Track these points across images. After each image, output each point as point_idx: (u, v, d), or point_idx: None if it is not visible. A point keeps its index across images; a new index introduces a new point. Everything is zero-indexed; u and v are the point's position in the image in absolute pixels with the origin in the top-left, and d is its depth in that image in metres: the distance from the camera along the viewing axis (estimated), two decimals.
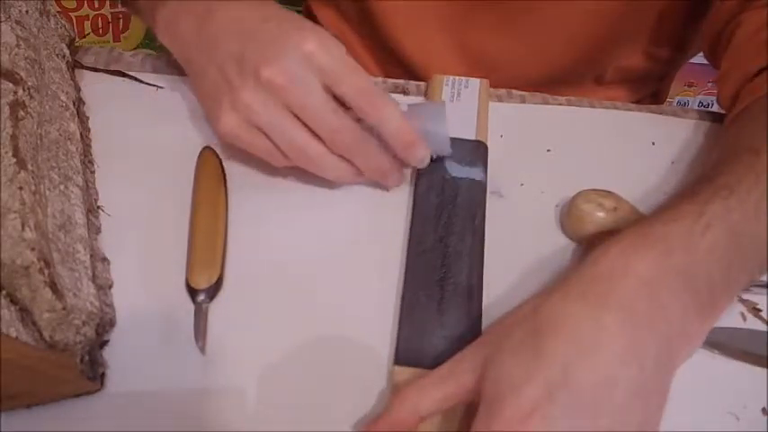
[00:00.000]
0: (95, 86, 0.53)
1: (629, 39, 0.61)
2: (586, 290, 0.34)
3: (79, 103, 0.51)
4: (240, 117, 0.43)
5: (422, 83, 0.57)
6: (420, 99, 0.55)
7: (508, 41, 0.61)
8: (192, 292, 0.42)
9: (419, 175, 0.49)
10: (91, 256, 0.42)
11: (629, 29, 0.60)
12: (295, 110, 0.42)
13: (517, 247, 0.47)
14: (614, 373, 0.32)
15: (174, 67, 0.54)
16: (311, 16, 0.70)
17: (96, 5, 1.44)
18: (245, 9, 0.45)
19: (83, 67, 0.54)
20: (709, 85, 1.56)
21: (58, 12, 0.52)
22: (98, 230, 0.45)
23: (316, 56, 0.42)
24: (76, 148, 0.46)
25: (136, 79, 0.54)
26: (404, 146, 0.45)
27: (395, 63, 0.65)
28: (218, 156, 0.49)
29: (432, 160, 0.47)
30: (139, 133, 0.51)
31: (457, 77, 0.55)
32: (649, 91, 0.70)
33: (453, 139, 0.50)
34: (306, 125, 0.43)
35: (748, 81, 0.48)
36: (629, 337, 0.33)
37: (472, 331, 0.41)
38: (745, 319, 0.45)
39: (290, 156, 0.44)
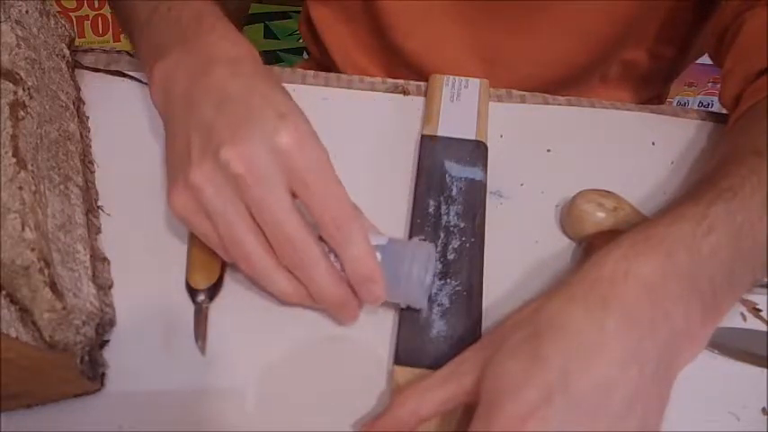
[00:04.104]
0: (95, 86, 0.53)
1: (636, 37, 0.61)
2: (588, 293, 0.34)
3: (79, 103, 0.51)
4: (191, 197, 0.38)
5: (422, 83, 0.57)
6: (420, 99, 0.55)
7: (524, 41, 0.60)
8: (192, 293, 0.42)
9: (419, 175, 0.49)
10: (91, 256, 0.42)
11: (639, 27, 0.60)
12: (250, 205, 0.37)
13: (517, 247, 0.47)
14: (614, 376, 0.32)
15: None
16: (309, 17, 0.70)
17: (96, 5, 1.45)
18: (235, 77, 0.40)
19: (83, 67, 0.54)
20: (710, 85, 1.56)
21: (57, 12, 0.52)
22: (98, 230, 0.45)
23: (289, 153, 0.37)
24: (76, 148, 0.46)
25: (136, 79, 0.54)
26: (360, 278, 0.39)
27: (399, 63, 0.65)
28: None
29: (402, 309, 0.42)
30: (139, 133, 0.51)
31: (457, 77, 0.55)
32: (653, 93, 0.70)
33: (453, 139, 0.50)
34: (260, 228, 0.38)
35: (751, 81, 0.48)
36: (629, 340, 0.33)
37: (472, 331, 0.41)
38: (745, 319, 0.45)
39: (232, 256, 0.39)
